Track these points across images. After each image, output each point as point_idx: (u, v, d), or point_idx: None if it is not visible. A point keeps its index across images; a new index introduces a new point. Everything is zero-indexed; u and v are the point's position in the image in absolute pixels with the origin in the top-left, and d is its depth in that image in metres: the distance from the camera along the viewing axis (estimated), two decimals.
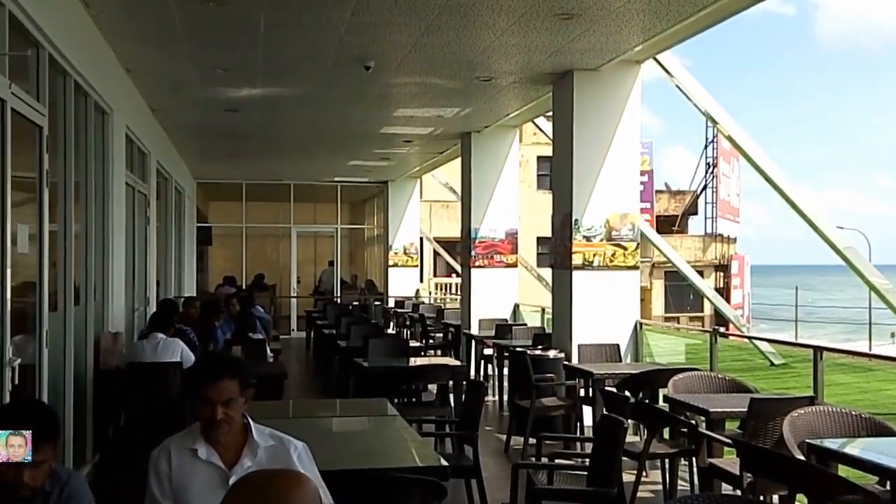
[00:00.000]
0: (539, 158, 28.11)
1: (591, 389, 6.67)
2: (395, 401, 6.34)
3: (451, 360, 8.60)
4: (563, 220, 7.68)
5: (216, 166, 15.26)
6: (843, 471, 3.90)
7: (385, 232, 17.28)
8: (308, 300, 17.44)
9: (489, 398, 9.18)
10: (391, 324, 14.41)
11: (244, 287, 15.06)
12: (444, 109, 9.68)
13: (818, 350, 5.60)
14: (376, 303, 15.86)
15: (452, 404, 6.66)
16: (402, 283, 17.00)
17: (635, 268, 7.69)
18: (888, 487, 3.61)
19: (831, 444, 3.93)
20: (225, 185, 17.20)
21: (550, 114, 8.46)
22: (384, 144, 12.50)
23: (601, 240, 7.53)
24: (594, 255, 7.52)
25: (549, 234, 8.20)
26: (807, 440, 3.97)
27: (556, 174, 8.03)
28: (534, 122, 11.43)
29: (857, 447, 4.00)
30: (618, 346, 7.36)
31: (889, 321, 20.11)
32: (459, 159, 11.67)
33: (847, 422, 4.24)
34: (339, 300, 16.75)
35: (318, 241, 20.28)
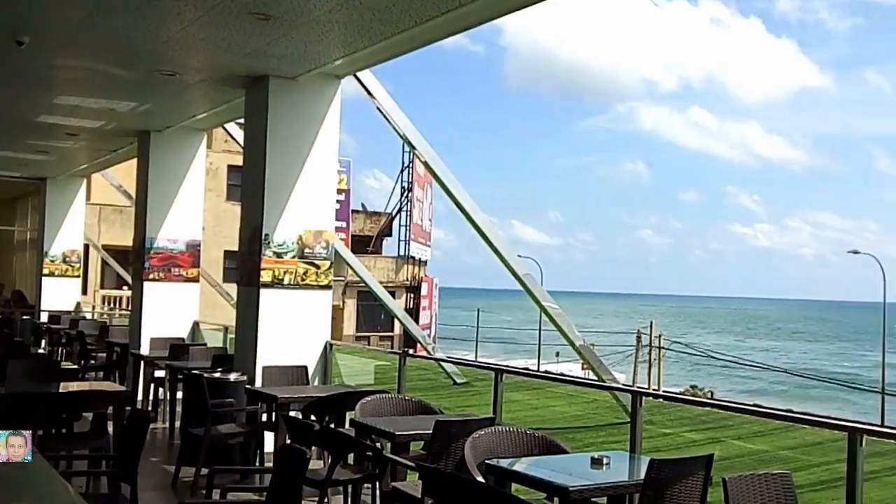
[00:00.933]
0: (230, 167, 27.03)
1: (273, 415, 6.45)
2: (40, 433, 5.54)
3: (111, 385, 7.87)
4: (252, 235, 7.38)
5: None
6: (519, 488, 4.05)
7: (40, 236, 15.21)
8: None
9: (159, 425, 8.59)
10: (42, 342, 12.97)
11: None
12: (117, 102, 8.80)
13: (499, 372, 5.92)
14: (24, 317, 14.06)
15: (112, 435, 5.94)
16: (59, 296, 15.22)
17: (328, 287, 7.57)
18: (556, 503, 3.86)
19: (506, 463, 4.14)
20: None
21: (243, 120, 8.12)
22: (42, 135, 10.97)
23: (293, 257, 7.34)
24: (285, 273, 7.30)
25: (237, 247, 7.80)
26: (486, 460, 4.12)
27: (247, 185, 7.70)
28: (224, 128, 10.88)
29: (529, 465, 4.21)
30: (306, 368, 7.20)
31: (556, 342, 22.73)
32: (136, 160, 10.69)
33: (522, 441, 4.51)
34: None
35: None
